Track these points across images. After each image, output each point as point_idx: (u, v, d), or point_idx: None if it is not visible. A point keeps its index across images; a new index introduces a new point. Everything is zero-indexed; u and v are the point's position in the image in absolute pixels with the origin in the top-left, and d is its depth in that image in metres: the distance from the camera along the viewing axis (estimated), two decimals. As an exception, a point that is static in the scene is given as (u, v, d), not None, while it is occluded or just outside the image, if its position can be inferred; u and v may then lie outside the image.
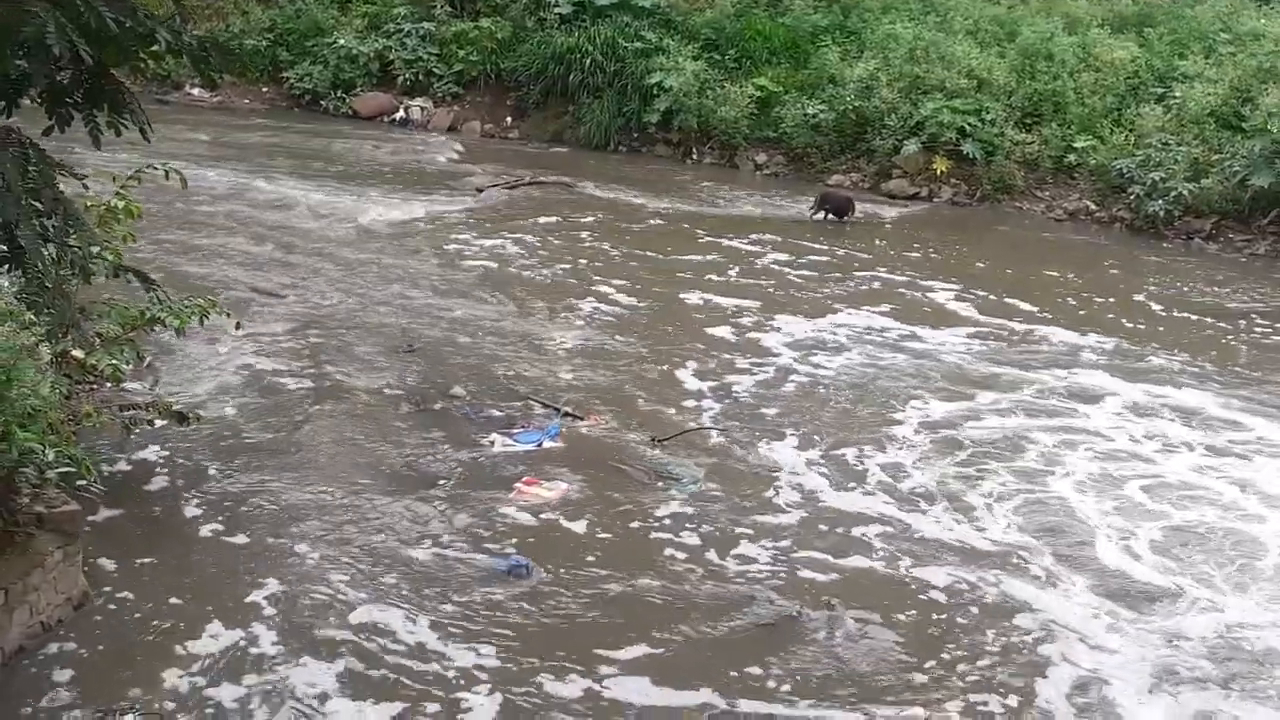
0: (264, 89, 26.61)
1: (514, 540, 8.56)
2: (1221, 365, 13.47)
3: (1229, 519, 9.60)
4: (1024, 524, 9.33)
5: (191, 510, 8.69)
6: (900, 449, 10.60)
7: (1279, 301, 16.30)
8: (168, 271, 9.71)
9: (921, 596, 8.25)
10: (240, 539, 8.34)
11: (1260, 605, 8.35)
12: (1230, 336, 14.66)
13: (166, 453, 9.46)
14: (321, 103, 26.00)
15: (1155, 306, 15.87)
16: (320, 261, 15.08)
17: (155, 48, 7.47)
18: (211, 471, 9.25)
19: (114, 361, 8.82)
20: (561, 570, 8.21)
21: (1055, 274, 17.16)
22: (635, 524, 8.98)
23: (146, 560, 7.99)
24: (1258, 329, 15.00)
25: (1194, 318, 15.36)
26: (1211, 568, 8.81)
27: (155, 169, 9.54)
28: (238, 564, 8.04)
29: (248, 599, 7.64)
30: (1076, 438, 11.05)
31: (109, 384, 9.75)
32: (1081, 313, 15.21)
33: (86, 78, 7.35)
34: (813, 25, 24.71)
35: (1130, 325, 14.88)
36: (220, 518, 8.59)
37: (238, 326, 10.39)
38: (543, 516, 8.96)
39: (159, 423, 9.37)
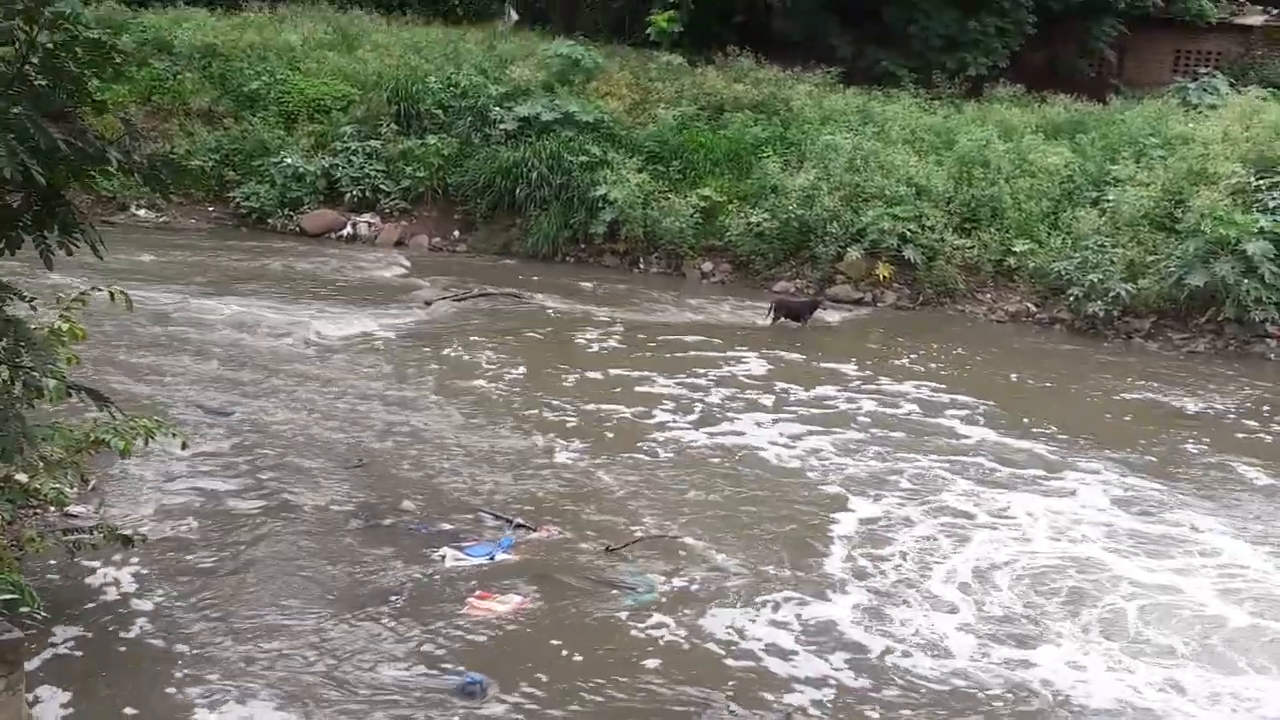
0: (210, 208, 26.62)
1: (468, 657, 8.44)
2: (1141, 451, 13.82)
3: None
4: (986, 620, 9.36)
5: (137, 636, 8.51)
6: (851, 558, 10.61)
7: (1218, 398, 16.71)
8: (113, 393, 9.60)
9: (884, 706, 8.20)
10: (186, 664, 8.17)
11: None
12: (1166, 433, 15.01)
13: (111, 577, 9.28)
14: (268, 221, 26.03)
15: (1091, 402, 16.34)
16: (268, 378, 15.00)
17: (106, 166, 7.49)
18: (157, 595, 9.08)
19: (57, 485, 8.70)
20: (517, 686, 8.10)
21: (994, 371, 17.61)
22: (590, 635, 8.90)
23: (91, 689, 7.79)
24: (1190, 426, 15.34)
25: (1130, 415, 15.83)
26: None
27: (100, 290, 9.48)
28: (184, 690, 7.85)
29: (195, 725, 7.48)
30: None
31: (53, 508, 9.61)
32: (1018, 407, 15.49)
33: (37, 199, 7.35)
34: (753, 137, 25.20)
35: (1062, 418, 15.26)
36: (166, 643, 8.42)
37: (184, 446, 10.28)
38: (497, 631, 8.85)
39: (104, 546, 9.20)
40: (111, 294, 9.43)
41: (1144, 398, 16.66)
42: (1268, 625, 9.69)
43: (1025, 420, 15.00)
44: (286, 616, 8.88)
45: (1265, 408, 16.28)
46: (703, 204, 23.76)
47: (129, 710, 7.64)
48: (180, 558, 9.74)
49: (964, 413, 15.31)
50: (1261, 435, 15.14)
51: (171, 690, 7.89)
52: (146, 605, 8.94)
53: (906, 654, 8.88)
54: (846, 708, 8.12)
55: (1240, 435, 15.10)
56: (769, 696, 8.18)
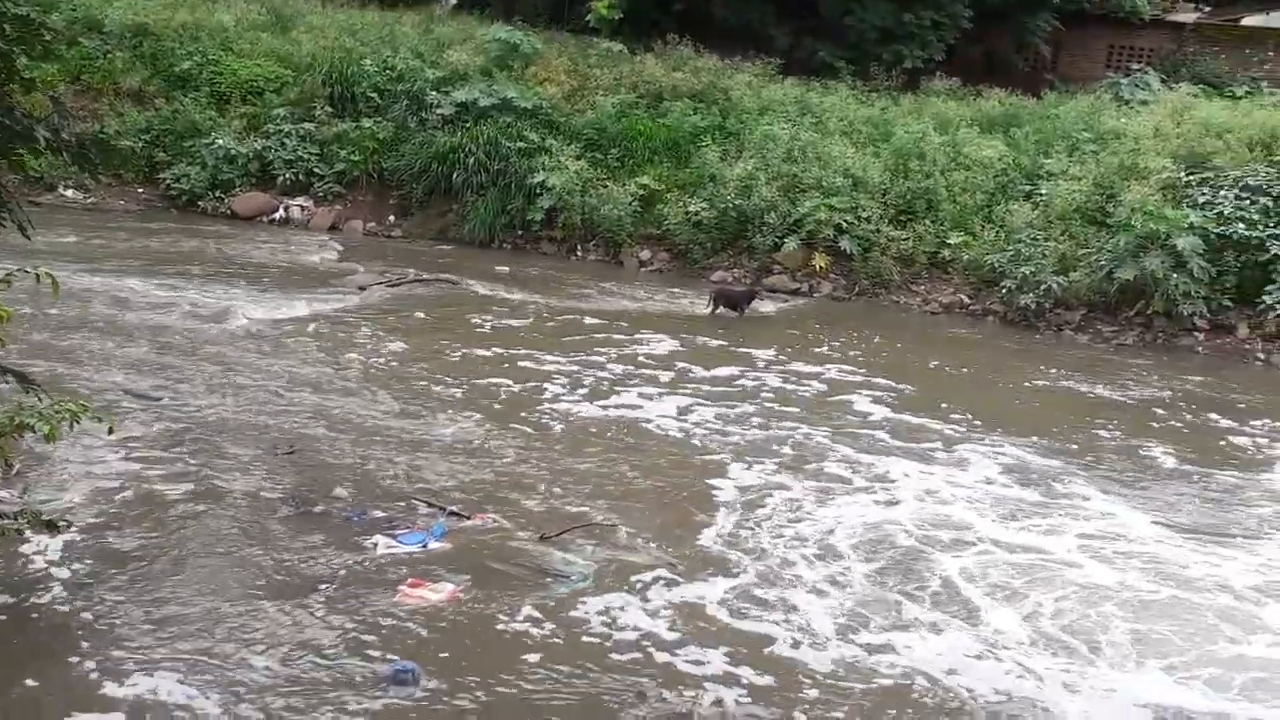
0: (139, 190, 26.23)
1: (399, 646, 8.37)
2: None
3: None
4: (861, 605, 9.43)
5: (59, 624, 8.33)
6: (787, 538, 10.65)
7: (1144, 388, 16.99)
8: (38, 375, 9.45)
9: (818, 693, 8.24)
10: (111, 653, 8.01)
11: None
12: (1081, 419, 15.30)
13: (35, 563, 9.10)
14: (199, 203, 25.71)
15: (1008, 389, 16.69)
16: (198, 362, 14.78)
17: (34, 145, 7.34)
18: (83, 582, 8.90)
19: (-21, 470, 8.53)
20: (450, 674, 8.04)
21: (915, 359, 17.96)
22: (525, 623, 8.85)
23: (11, 679, 7.63)
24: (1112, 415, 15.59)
25: (1043, 402, 16.17)
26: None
27: (26, 272, 9.27)
28: (108, 680, 7.69)
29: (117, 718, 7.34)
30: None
31: (-27, 493, 9.41)
32: (932, 391, 15.85)
33: (-39, 178, 7.20)
34: (693, 126, 25.24)
35: (975, 402, 15.60)
36: (90, 631, 8.26)
37: (110, 431, 10.07)
38: (429, 620, 8.79)
39: (28, 531, 9.02)
40: (38, 276, 9.22)
41: (1064, 386, 16.95)
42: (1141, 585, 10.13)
43: (940, 404, 15.23)
44: (210, 601, 8.74)
45: (1185, 399, 16.57)
46: (641, 192, 23.79)
47: (30, 681, 7.54)
48: (104, 542, 9.56)
49: (874, 394, 15.56)
50: (1175, 423, 15.43)
51: (76, 660, 7.79)
52: (69, 592, 8.75)
53: (795, 644, 8.95)
54: (782, 694, 8.15)
55: (1154, 424, 15.37)
56: (702, 683, 8.19)
